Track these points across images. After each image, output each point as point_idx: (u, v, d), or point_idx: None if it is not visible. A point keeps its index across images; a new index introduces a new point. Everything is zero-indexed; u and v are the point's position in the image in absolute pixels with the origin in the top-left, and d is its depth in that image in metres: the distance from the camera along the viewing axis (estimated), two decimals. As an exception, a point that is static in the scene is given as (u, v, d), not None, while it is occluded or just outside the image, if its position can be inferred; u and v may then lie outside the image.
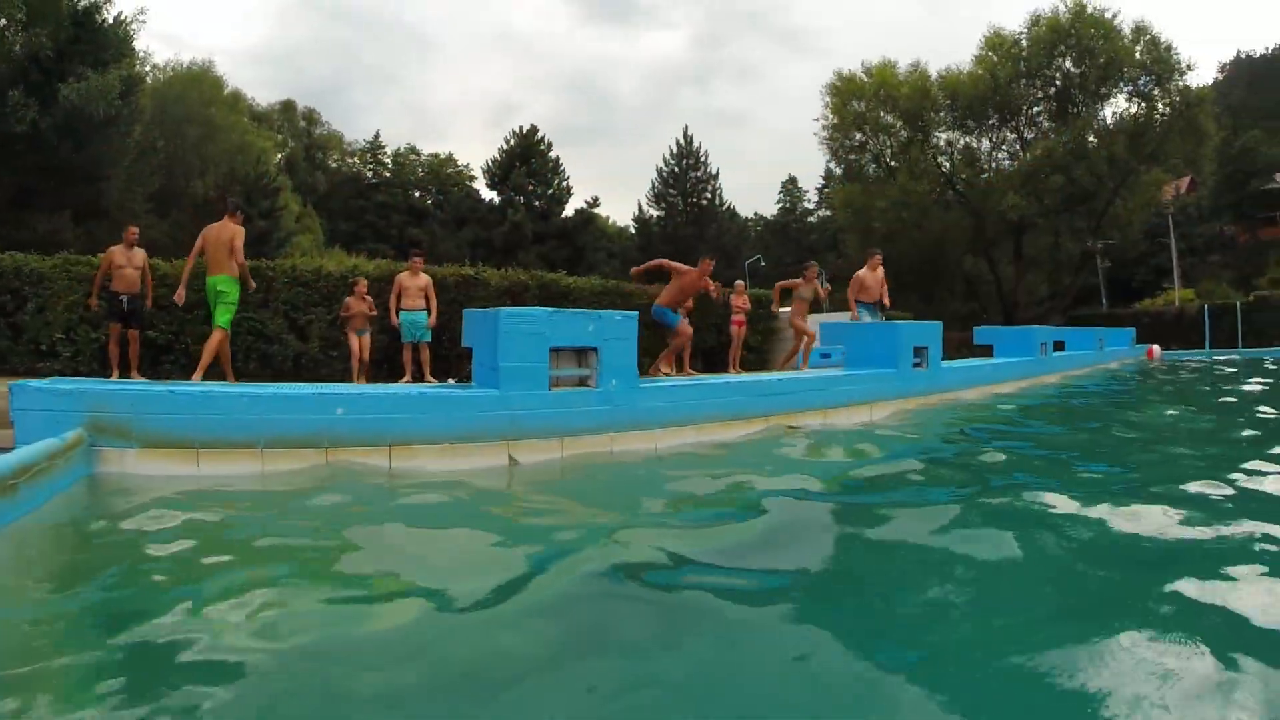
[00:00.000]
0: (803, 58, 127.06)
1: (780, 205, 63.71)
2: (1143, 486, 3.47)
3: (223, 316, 9.06)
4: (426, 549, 2.71)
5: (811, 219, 58.94)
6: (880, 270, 11.69)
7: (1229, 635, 1.85)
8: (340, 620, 1.98)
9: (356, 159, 63.85)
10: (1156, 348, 21.61)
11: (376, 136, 63.01)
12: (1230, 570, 2.25)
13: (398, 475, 4.25)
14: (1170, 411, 6.77)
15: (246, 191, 32.31)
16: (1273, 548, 2.45)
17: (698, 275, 9.27)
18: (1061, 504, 3.12)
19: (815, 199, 59.66)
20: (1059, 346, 15.24)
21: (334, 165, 62.64)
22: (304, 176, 54.42)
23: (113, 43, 22.93)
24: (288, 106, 65.90)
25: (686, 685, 1.64)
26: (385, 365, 11.43)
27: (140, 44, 28.60)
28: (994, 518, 3.00)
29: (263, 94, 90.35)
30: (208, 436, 4.07)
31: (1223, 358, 21.08)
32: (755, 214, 62.24)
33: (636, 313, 5.00)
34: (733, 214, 51.03)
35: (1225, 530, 2.70)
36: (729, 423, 5.28)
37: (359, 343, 11.17)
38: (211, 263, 9.06)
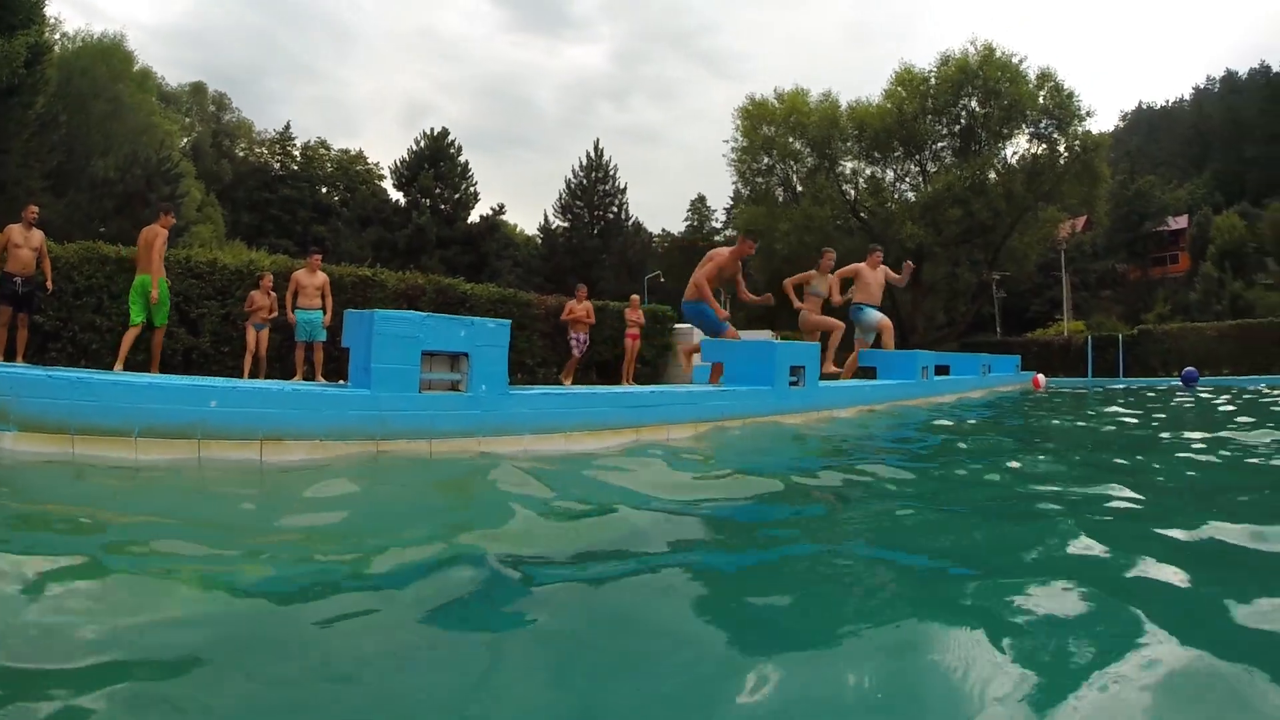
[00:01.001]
0: (722, 80, 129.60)
1: (688, 223, 64.68)
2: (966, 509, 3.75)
3: (159, 316, 9.61)
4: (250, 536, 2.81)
5: (719, 238, 59.92)
6: (881, 270, 11.48)
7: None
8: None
9: (265, 149, 62.50)
10: (1042, 376, 22.65)
11: (287, 128, 61.91)
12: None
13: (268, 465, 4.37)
14: (1004, 440, 7.24)
15: (147, 176, 31.34)
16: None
17: (731, 255, 8.41)
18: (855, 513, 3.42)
19: (723, 219, 60.75)
20: (944, 371, 15.95)
21: (241, 154, 61.25)
22: (209, 164, 53.10)
23: (23, 7, 22.06)
24: (198, 89, 64.05)
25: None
26: (278, 364, 11.32)
27: (51, 10, 27.55)
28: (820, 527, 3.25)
29: (173, 73, 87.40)
30: (83, 422, 4.11)
31: (1101, 386, 22.25)
32: (663, 230, 63.11)
33: (509, 321, 5.20)
34: (639, 229, 51.64)
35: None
36: (598, 432, 5.51)
37: (256, 337, 11.08)
38: (140, 261, 9.58)
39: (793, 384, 7.92)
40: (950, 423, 8.67)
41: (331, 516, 3.14)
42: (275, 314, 11.16)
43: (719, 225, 60.11)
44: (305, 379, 10.56)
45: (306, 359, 11.05)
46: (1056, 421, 9.34)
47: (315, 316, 10.95)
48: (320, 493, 3.63)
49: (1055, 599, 1.92)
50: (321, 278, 11.17)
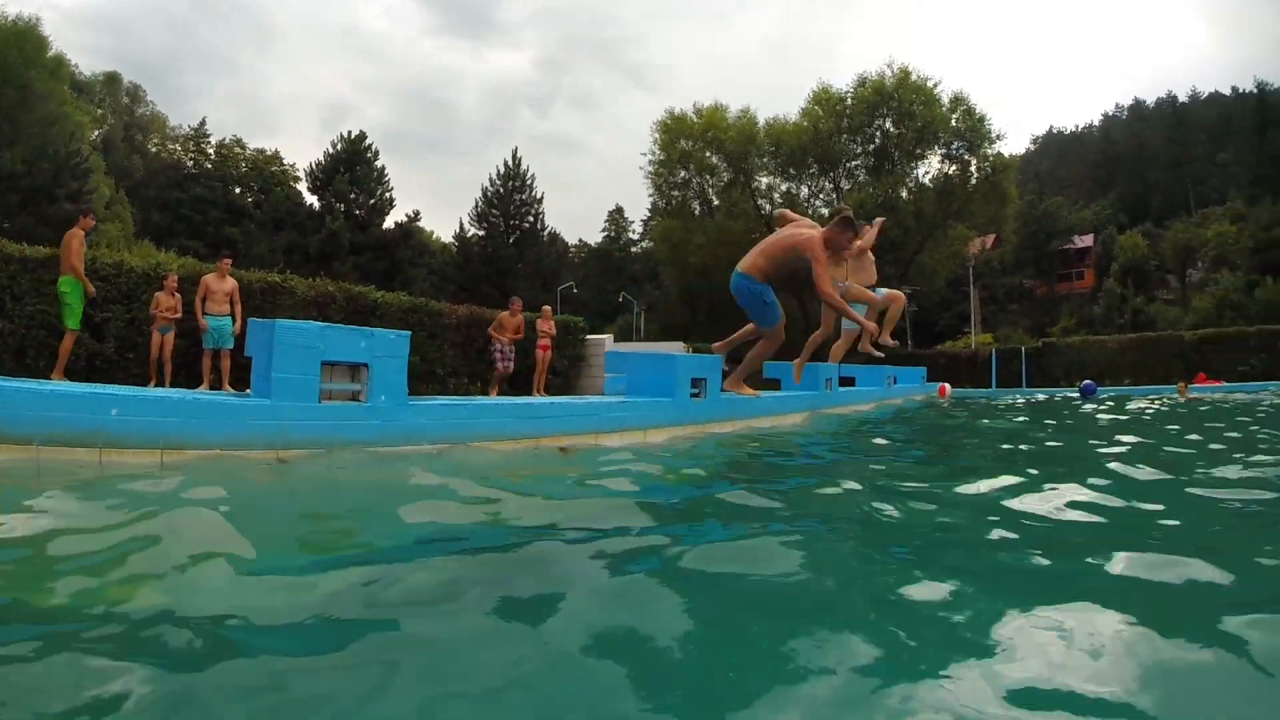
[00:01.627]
0: (645, 92, 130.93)
1: (605, 234, 64.87)
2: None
3: (69, 319, 9.69)
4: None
5: (635, 249, 60.07)
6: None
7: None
8: None
9: (178, 145, 60.63)
10: (947, 386, 23.57)
11: (202, 124, 60.15)
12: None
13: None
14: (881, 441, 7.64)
15: (54, 170, 30.27)
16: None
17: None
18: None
19: (640, 230, 61.10)
20: (850, 382, 16.52)
21: (153, 150, 59.43)
22: (120, 159, 51.39)
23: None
24: (112, 79, 62.21)
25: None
26: (184, 372, 11.13)
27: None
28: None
29: (87, 62, 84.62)
30: (-16, 429, 4.17)
31: (1007, 397, 23.23)
32: (580, 240, 63.37)
33: (409, 333, 5.41)
34: (554, 239, 51.97)
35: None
36: (497, 442, 5.73)
37: (161, 341, 10.91)
38: (62, 264, 9.75)
39: (694, 395, 8.26)
40: (837, 434, 9.10)
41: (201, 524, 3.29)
42: (179, 315, 10.99)
43: (635, 236, 60.41)
44: (212, 388, 10.47)
45: (213, 367, 10.92)
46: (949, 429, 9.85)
47: (224, 324, 10.83)
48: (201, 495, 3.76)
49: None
50: (231, 283, 11.05)
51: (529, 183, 48.04)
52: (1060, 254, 70.27)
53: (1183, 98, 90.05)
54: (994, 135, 34.92)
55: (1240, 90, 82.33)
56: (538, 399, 7.39)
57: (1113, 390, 24.36)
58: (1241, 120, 74.70)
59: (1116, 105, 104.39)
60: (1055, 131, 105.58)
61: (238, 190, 55.77)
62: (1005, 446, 7.28)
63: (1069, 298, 68.10)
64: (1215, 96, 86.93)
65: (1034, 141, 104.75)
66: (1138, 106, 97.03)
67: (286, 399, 4.77)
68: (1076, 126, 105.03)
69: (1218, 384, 23.48)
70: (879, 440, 7.95)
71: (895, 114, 34.82)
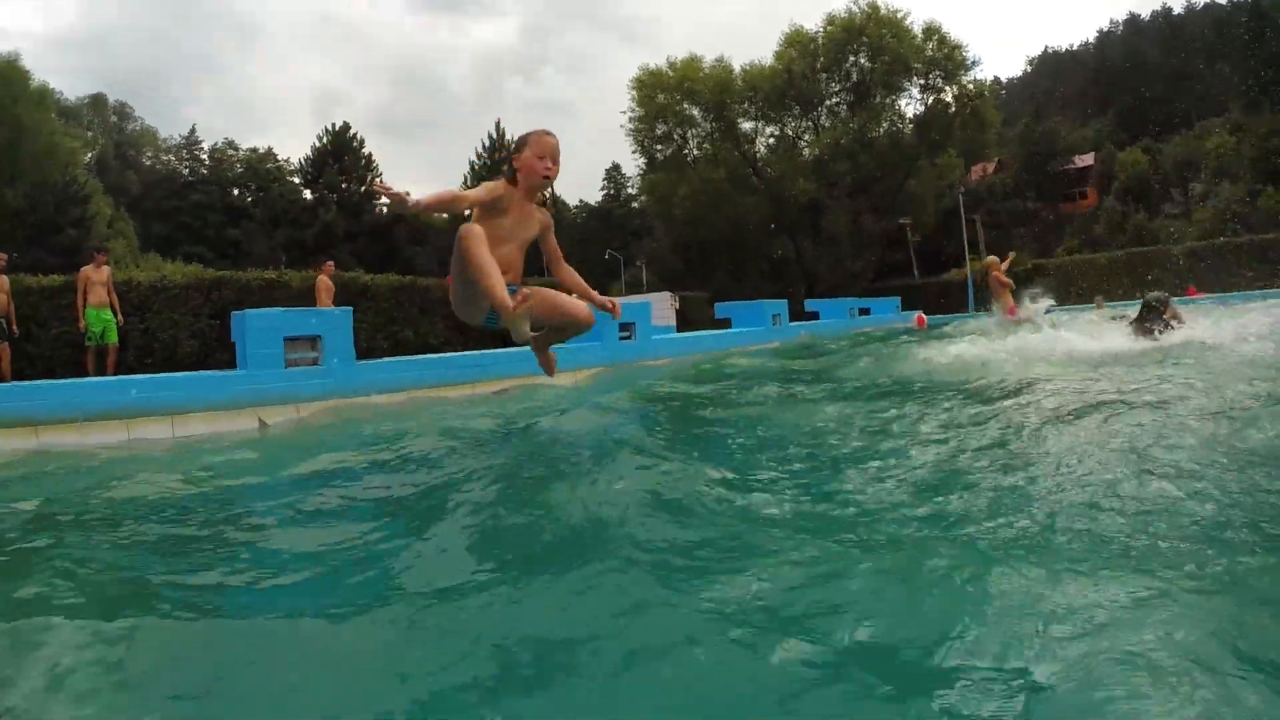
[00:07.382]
0: (635, 46, 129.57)
1: (605, 192, 65.01)
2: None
3: (111, 336, 11.11)
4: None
5: (635, 204, 60.06)
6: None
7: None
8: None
9: (172, 156, 61.91)
10: (923, 315, 24.52)
11: (193, 131, 61.65)
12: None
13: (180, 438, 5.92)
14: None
15: (56, 201, 31.45)
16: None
17: None
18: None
19: (637, 186, 61.58)
20: (813, 316, 17.74)
21: (147, 163, 60.66)
22: (114, 177, 52.58)
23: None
24: (98, 100, 63.00)
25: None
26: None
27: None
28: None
29: (69, 85, 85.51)
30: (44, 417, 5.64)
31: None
32: (581, 200, 63.60)
33: (351, 308, 6.85)
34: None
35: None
36: (434, 389, 7.16)
37: None
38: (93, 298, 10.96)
39: (624, 339, 9.65)
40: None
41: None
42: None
43: (634, 192, 60.73)
44: None
45: None
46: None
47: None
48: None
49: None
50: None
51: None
52: (1061, 175, 70.02)
53: (1178, 9, 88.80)
54: (969, 62, 35.38)
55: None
56: (469, 353, 8.76)
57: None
58: (1237, 29, 73.75)
59: (1111, 21, 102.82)
60: (1050, 51, 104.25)
61: (235, 191, 56.85)
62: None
63: (1073, 218, 67.97)
64: (1211, 7, 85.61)
65: (1030, 63, 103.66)
66: (1133, 20, 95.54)
67: (260, 368, 6.25)
68: (1072, 45, 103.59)
69: (1199, 296, 23.74)
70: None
71: (868, 50, 35.30)
